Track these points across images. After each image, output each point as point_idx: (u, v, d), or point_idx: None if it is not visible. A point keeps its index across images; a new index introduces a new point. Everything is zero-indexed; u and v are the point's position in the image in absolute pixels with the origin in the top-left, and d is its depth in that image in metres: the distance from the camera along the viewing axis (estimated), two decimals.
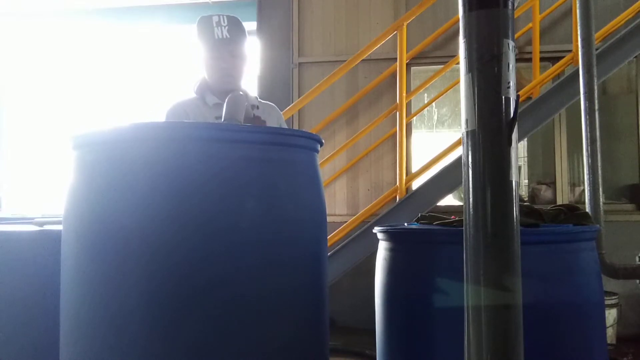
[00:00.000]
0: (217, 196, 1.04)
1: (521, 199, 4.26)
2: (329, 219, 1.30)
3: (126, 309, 1.02)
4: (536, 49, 3.75)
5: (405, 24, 3.68)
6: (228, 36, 1.83)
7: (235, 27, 1.86)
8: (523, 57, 4.03)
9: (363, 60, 3.86)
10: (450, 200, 4.37)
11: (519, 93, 0.91)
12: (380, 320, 1.53)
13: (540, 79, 3.67)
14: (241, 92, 1.76)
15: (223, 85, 1.89)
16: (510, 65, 0.88)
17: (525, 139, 4.24)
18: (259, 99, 2.03)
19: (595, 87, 2.62)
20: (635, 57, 3.72)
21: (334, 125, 4.44)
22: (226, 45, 1.84)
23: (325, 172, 4.15)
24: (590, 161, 2.58)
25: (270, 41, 4.60)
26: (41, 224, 1.55)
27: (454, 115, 4.83)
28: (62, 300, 1.14)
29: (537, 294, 1.21)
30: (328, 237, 2.09)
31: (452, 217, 1.63)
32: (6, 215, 2.26)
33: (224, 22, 1.82)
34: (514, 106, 0.88)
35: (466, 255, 0.89)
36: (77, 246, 1.09)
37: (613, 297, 3.66)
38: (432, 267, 1.38)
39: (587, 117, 2.59)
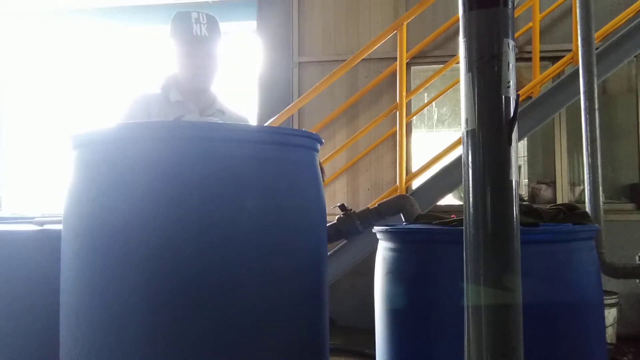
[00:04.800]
0: (217, 196, 1.04)
1: (521, 199, 4.26)
2: (329, 218, 1.30)
3: (126, 309, 1.02)
4: (536, 48, 3.75)
5: (405, 23, 3.68)
6: (207, 34, 1.78)
7: (214, 26, 1.81)
8: (523, 57, 4.03)
9: (363, 59, 3.86)
10: (450, 199, 4.37)
11: (519, 92, 0.91)
12: (380, 320, 1.53)
13: (540, 78, 3.67)
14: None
15: (195, 83, 1.85)
16: (510, 65, 0.88)
17: (525, 139, 4.24)
18: (228, 109, 1.95)
19: (595, 87, 2.61)
20: (635, 56, 3.73)
21: (334, 124, 4.43)
22: (204, 44, 1.79)
23: (325, 171, 4.14)
24: (590, 160, 2.57)
25: (270, 41, 4.60)
26: (41, 224, 1.55)
27: (454, 115, 4.83)
28: (62, 300, 1.14)
29: (536, 294, 1.21)
30: None
31: (452, 216, 1.64)
32: (6, 215, 2.26)
33: (203, 20, 1.77)
34: (514, 106, 0.88)
35: (466, 254, 0.89)
36: (77, 246, 1.09)
37: (613, 297, 3.66)
38: (431, 266, 1.38)
39: (587, 116, 2.59)
